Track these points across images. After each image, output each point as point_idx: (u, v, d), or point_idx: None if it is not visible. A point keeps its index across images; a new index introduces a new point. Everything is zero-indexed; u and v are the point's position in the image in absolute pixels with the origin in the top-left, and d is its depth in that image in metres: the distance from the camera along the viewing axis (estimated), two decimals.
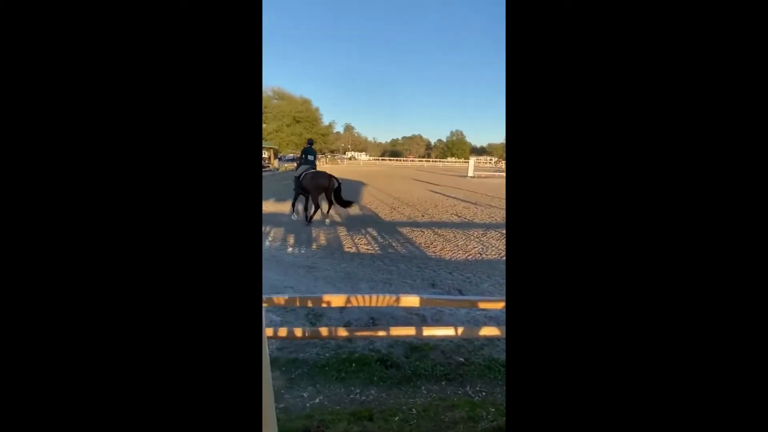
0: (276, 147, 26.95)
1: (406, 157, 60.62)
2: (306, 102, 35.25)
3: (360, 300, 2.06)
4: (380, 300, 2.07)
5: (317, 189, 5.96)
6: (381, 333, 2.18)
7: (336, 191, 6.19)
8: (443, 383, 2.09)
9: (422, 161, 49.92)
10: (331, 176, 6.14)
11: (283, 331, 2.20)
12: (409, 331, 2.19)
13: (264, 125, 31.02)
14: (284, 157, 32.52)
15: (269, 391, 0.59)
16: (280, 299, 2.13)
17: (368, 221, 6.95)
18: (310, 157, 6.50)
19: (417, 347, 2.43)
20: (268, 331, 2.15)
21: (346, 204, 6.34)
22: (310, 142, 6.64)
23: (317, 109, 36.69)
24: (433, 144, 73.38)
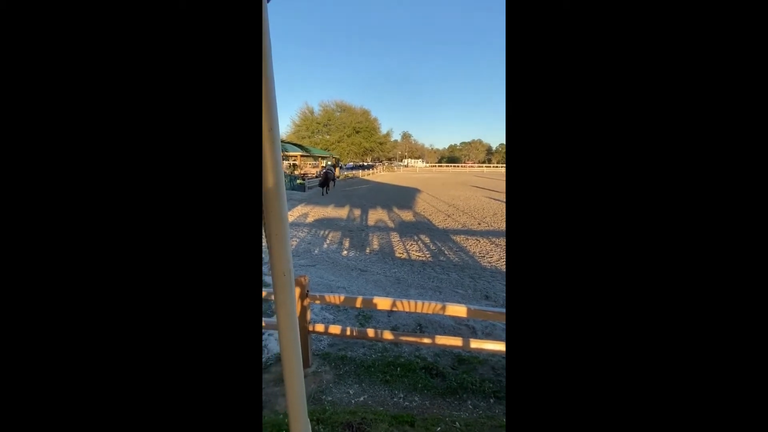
0: (338, 156, 28.64)
1: (464, 162, 58.59)
2: (365, 112, 36.82)
3: (406, 305, 2.08)
4: (426, 307, 2.07)
5: (324, 179, 14.25)
6: (426, 340, 2.16)
7: (326, 182, 14.15)
8: (491, 401, 1.98)
9: (482, 167, 47.74)
10: (328, 173, 14.43)
11: (334, 329, 2.34)
12: (456, 341, 2.13)
13: (327, 137, 33.29)
14: (345, 165, 34.40)
15: (300, 382, 0.64)
16: (333, 298, 2.28)
17: (421, 228, 6.96)
18: (329, 164, 17.67)
19: (465, 359, 2.35)
20: (319, 327, 2.31)
21: (325, 184, 14.23)
22: (331, 165, 16.37)
23: (376, 119, 37.99)
24: (494, 149, 69.61)
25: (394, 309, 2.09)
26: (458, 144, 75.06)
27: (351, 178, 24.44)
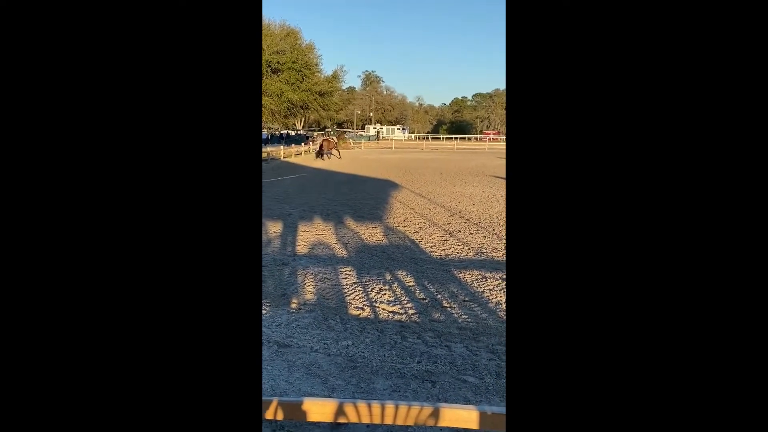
0: None
1: (482, 132, 60.65)
2: (291, 34, 35.76)
3: (364, 412, 2.02)
4: (407, 413, 2.03)
5: (320, 149, 30.46)
6: None
7: (321, 151, 29.82)
8: None
9: None
10: (323, 143, 31.11)
11: None
12: None
13: None
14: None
15: None
16: None
17: (399, 257, 7.07)
18: (328, 131, 36.99)
19: None
20: None
21: (321, 153, 29.04)
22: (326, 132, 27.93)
23: (311, 47, 37.27)
24: None
25: (342, 421, 2.04)
26: (470, 98, 76.56)
27: (264, 160, 24.16)
